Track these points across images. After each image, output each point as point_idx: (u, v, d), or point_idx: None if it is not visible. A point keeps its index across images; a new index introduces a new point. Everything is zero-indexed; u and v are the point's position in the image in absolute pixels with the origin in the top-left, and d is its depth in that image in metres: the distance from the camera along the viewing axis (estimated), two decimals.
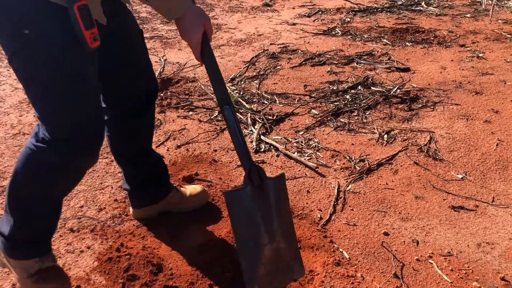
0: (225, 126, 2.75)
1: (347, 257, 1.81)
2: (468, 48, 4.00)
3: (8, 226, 1.52)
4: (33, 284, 1.55)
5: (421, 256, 1.83)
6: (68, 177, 1.50)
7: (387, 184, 2.27)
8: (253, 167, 1.32)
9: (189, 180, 2.26)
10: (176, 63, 3.76)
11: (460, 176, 2.32)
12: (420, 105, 3.03)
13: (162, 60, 3.79)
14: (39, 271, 1.54)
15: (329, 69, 3.58)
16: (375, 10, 5.26)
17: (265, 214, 1.33)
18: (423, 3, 5.41)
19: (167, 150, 2.55)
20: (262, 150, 2.55)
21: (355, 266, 1.77)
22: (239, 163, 2.41)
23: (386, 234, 1.95)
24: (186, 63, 3.73)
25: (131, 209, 1.99)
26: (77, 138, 1.36)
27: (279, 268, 1.39)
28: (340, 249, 1.85)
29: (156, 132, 2.71)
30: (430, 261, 1.80)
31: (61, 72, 1.28)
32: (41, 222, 1.54)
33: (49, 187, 1.49)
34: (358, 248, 1.87)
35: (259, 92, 3.20)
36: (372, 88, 3.25)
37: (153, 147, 2.55)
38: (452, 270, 1.76)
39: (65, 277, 1.63)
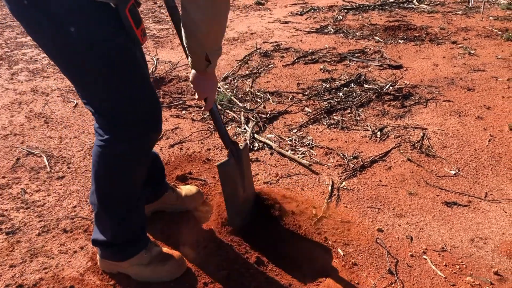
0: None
1: (342, 254, 1.81)
2: (460, 45, 4.02)
3: (107, 233, 1.59)
4: (153, 271, 1.64)
5: (415, 252, 1.84)
6: (144, 156, 1.55)
7: (380, 181, 2.28)
8: (233, 146, 1.73)
9: (183, 179, 2.25)
10: (169, 62, 3.75)
11: (453, 172, 2.33)
12: (412, 102, 3.04)
13: (155, 59, 3.77)
14: (152, 259, 1.64)
15: (322, 67, 3.58)
16: (367, 8, 5.27)
17: (240, 174, 1.79)
18: (414, 1, 5.43)
19: (160, 149, 2.54)
20: (255, 148, 2.54)
21: (349, 263, 1.77)
22: None
23: (380, 230, 1.95)
24: (178, 62, 3.71)
25: None
26: (150, 118, 1.45)
27: (248, 208, 1.92)
28: (335, 246, 1.85)
29: None
30: (424, 256, 1.81)
31: (125, 62, 1.34)
32: (135, 213, 1.60)
33: (131, 174, 1.52)
34: (353, 245, 1.87)
35: (252, 91, 3.20)
36: (365, 85, 3.25)
37: None
38: (446, 265, 1.77)
39: (177, 254, 1.72)
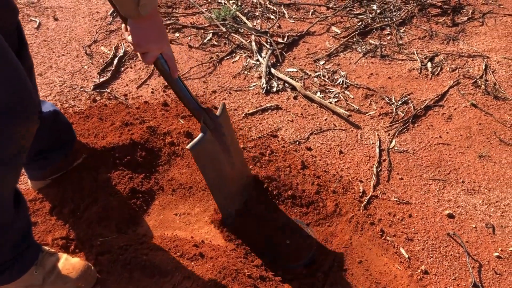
0: (224, 54, 2.14)
1: (406, 256, 1.37)
2: None
3: None
4: None
5: (501, 250, 1.40)
6: (14, 158, 1.05)
7: (440, 137, 1.76)
8: (206, 114, 1.31)
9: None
10: None
11: None
12: (465, 18, 2.40)
13: None
14: (46, 275, 1.19)
15: None
16: None
17: (224, 148, 1.39)
18: None
19: (152, 92, 1.95)
20: (274, 90, 1.97)
21: (418, 271, 1.33)
22: (246, 110, 1.86)
23: (450, 216, 1.49)
24: None
25: (29, 182, 1.50)
26: (19, 104, 1.01)
27: (241, 185, 1.50)
28: (395, 244, 1.39)
29: (135, 66, 2.08)
30: None
31: None
32: (11, 226, 1.12)
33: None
34: (418, 240, 1.42)
35: (263, 2, 2.51)
36: None
37: (135, 87, 1.96)
38: None
39: (81, 263, 1.25)
